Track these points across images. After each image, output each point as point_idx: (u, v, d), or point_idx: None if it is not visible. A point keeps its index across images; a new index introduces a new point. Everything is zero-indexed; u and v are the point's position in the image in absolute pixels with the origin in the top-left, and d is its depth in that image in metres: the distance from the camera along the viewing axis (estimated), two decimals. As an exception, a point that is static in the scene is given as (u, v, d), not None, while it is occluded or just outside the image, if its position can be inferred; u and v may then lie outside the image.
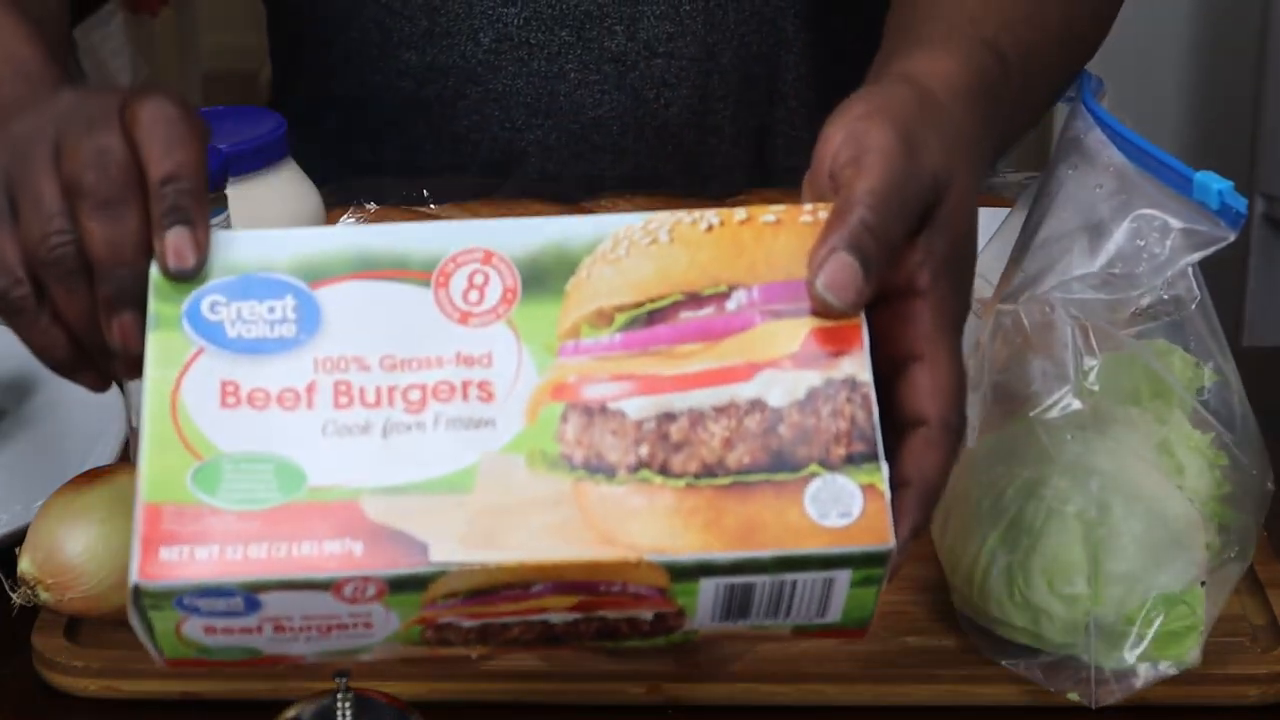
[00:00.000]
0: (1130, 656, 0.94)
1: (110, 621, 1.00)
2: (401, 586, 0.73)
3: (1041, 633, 0.95)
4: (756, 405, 0.75)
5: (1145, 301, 0.96)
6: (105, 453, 1.13)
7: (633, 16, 1.29)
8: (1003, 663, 0.96)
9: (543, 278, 0.77)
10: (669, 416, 0.75)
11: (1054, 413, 0.95)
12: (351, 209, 1.24)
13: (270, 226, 1.09)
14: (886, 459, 0.75)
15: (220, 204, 1.01)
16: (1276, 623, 1.00)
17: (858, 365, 0.76)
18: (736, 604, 0.76)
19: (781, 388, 0.75)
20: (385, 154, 1.36)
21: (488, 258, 0.78)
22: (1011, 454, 0.97)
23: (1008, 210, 1.07)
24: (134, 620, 0.74)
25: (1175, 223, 0.95)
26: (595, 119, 1.31)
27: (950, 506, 1.00)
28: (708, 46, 1.30)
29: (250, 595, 0.73)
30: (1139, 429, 0.96)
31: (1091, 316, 0.96)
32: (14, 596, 0.99)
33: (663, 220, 0.78)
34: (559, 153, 1.32)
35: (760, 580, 0.74)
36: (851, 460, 0.74)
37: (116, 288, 0.77)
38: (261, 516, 0.73)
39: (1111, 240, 0.96)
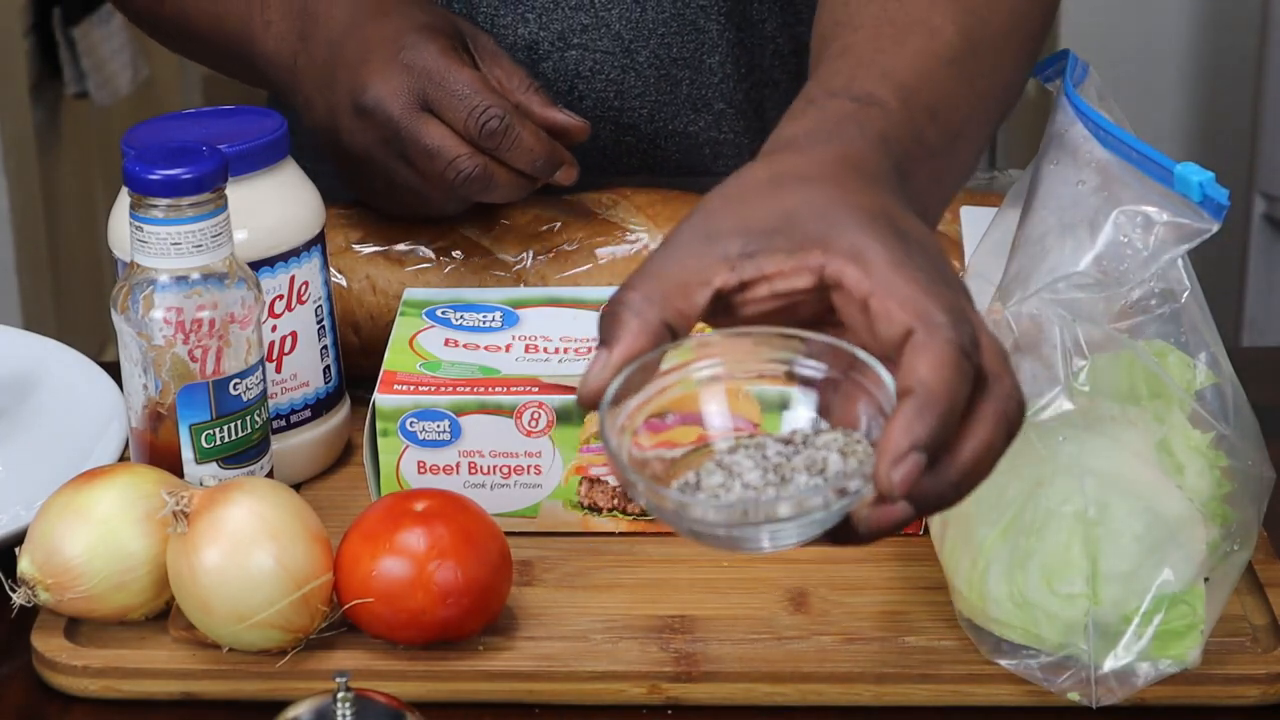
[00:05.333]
0: (1130, 655, 0.94)
1: (110, 622, 1.00)
2: (566, 417, 1.05)
3: (1041, 632, 0.95)
4: None
5: (1135, 295, 0.96)
6: (105, 453, 1.13)
7: (546, 6, 1.27)
8: (1003, 663, 0.96)
9: None
10: None
11: (1045, 414, 0.95)
12: (345, 205, 1.24)
13: (270, 226, 1.09)
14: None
15: (220, 204, 1.01)
16: (1276, 623, 1.00)
17: None
18: None
19: None
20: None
21: None
22: (1009, 454, 0.97)
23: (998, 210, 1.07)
24: (366, 460, 1.07)
25: (1159, 216, 0.95)
26: None
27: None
28: (624, 42, 1.29)
29: (455, 419, 1.05)
30: (1138, 428, 0.96)
31: (1081, 315, 0.96)
32: (14, 596, 0.99)
33: None
34: None
35: None
36: None
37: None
38: (468, 381, 1.07)
39: (1096, 238, 0.96)
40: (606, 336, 0.81)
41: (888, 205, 0.84)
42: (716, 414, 0.84)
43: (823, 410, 0.83)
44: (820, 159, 0.87)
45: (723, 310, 0.83)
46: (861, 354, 0.81)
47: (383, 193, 1.18)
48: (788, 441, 0.81)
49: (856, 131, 0.89)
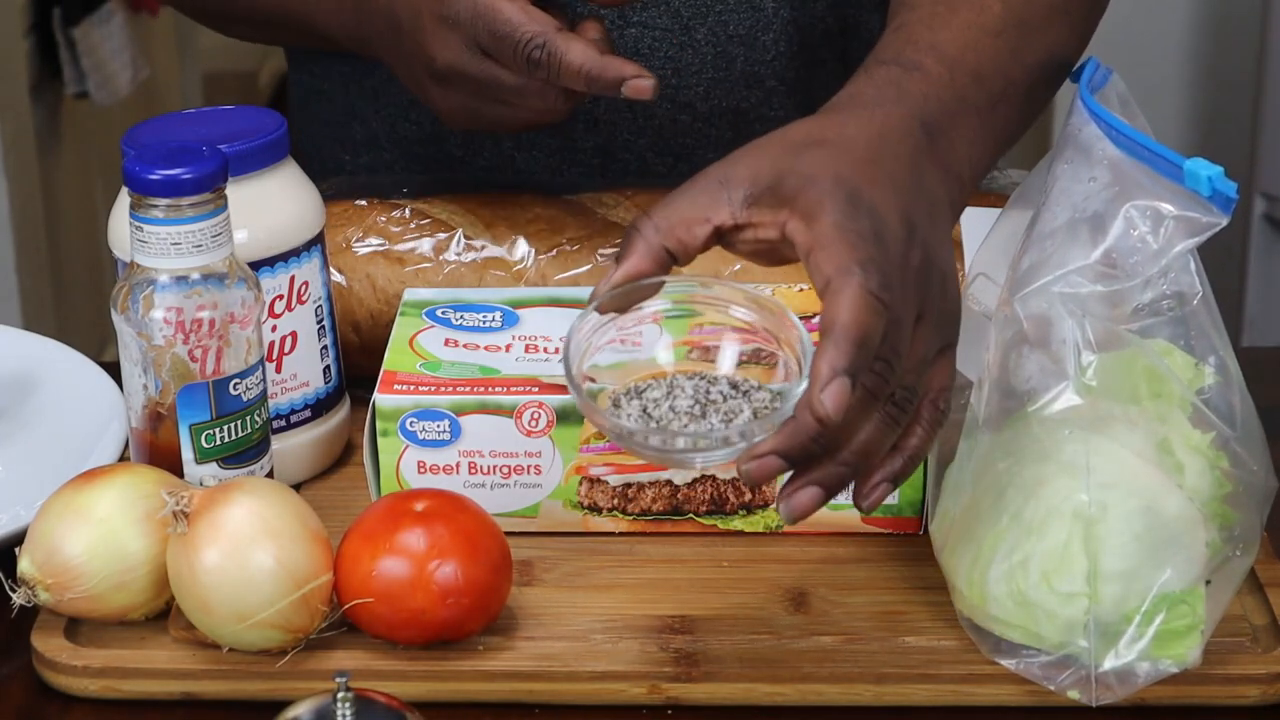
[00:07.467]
0: (1130, 655, 0.94)
1: (110, 621, 1.00)
2: (566, 417, 1.05)
3: (1041, 631, 0.95)
4: None
5: (1147, 297, 0.97)
6: (105, 453, 1.13)
7: None
8: (1003, 662, 0.96)
9: None
10: None
11: (1053, 408, 0.95)
12: (345, 204, 1.24)
13: (270, 226, 1.09)
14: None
15: (220, 204, 1.01)
16: (1276, 623, 1.00)
17: None
18: None
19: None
20: (382, 126, 1.35)
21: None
22: (1011, 452, 0.98)
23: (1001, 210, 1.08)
24: (366, 460, 1.07)
25: (1169, 210, 0.96)
26: None
27: (950, 506, 1.00)
28: (683, 20, 1.30)
29: (455, 419, 1.06)
30: (1139, 428, 0.97)
31: (1091, 311, 0.96)
32: (14, 596, 0.99)
33: None
34: None
35: None
36: None
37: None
38: (468, 381, 1.07)
39: (1107, 231, 0.97)
40: (619, 255, 0.94)
41: (869, 175, 0.93)
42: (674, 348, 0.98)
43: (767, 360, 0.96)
44: (849, 125, 0.96)
45: (723, 246, 0.95)
46: (790, 315, 0.94)
47: (501, 126, 1.17)
48: (733, 385, 0.94)
49: (895, 94, 0.99)
